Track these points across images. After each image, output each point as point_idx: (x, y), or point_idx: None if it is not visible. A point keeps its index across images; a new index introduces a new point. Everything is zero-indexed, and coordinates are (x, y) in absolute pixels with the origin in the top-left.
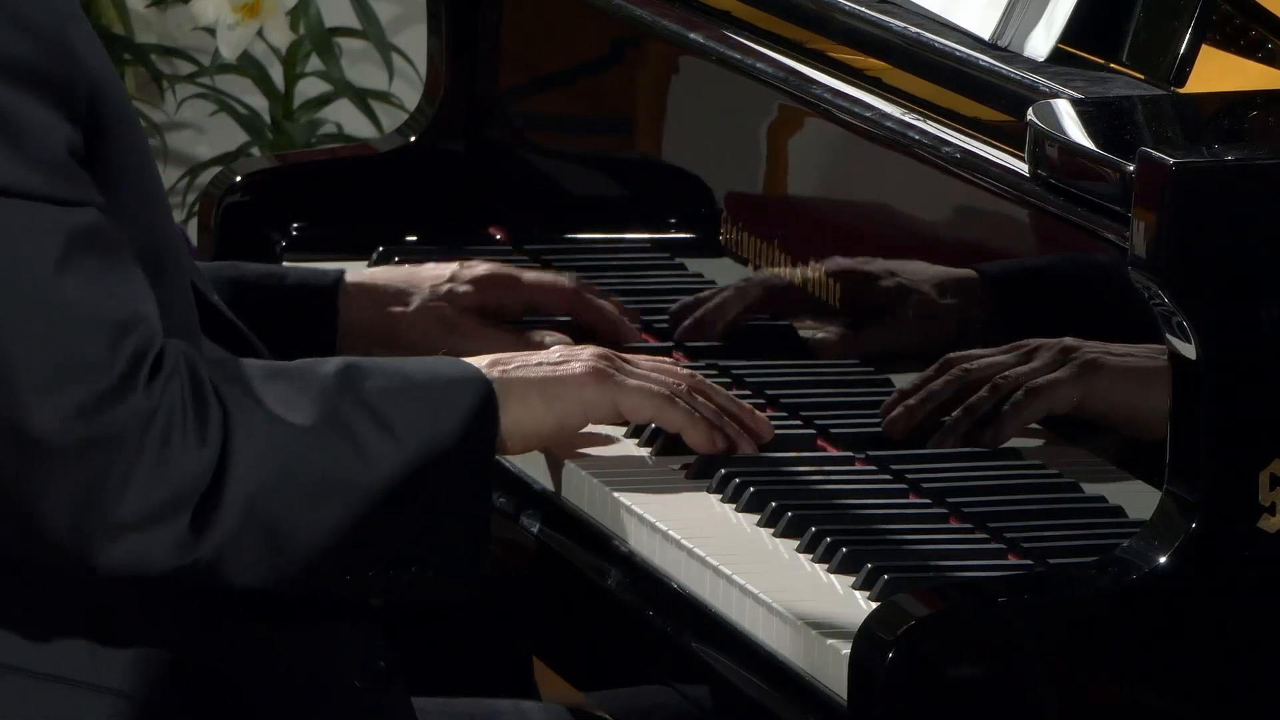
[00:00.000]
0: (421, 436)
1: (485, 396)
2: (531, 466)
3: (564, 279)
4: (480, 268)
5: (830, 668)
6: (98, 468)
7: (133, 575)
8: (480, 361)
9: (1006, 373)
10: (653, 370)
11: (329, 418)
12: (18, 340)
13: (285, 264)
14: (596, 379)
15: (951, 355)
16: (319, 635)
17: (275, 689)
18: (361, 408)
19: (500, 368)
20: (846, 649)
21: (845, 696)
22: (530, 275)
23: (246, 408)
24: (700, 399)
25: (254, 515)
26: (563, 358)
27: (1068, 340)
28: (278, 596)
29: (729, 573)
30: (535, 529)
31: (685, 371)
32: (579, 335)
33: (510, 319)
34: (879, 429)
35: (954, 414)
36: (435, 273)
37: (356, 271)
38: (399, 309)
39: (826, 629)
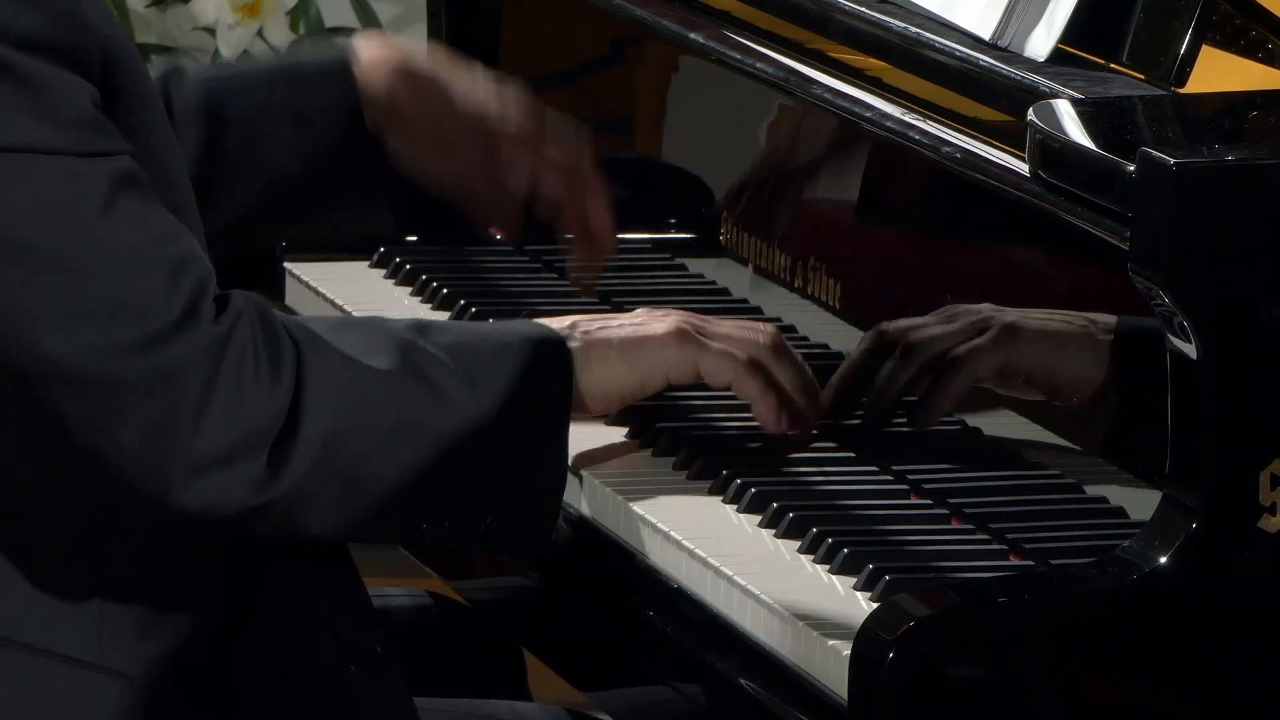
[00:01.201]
0: (497, 387)
1: (562, 357)
2: None
3: (582, 152)
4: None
5: (831, 668)
6: (168, 402)
7: (209, 515)
8: (561, 323)
9: (929, 341)
10: (735, 332)
11: (404, 362)
12: (68, 287)
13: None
14: (679, 339)
15: (882, 326)
16: (315, 620)
17: (273, 673)
18: (437, 355)
19: (582, 329)
20: (847, 649)
21: (846, 697)
22: (551, 145)
23: (320, 347)
24: (778, 367)
25: (330, 455)
26: (644, 319)
27: (986, 308)
28: (307, 562)
29: (730, 573)
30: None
31: (769, 331)
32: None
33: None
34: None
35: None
36: (483, 96)
37: (379, 45)
38: (436, 101)
39: (828, 630)
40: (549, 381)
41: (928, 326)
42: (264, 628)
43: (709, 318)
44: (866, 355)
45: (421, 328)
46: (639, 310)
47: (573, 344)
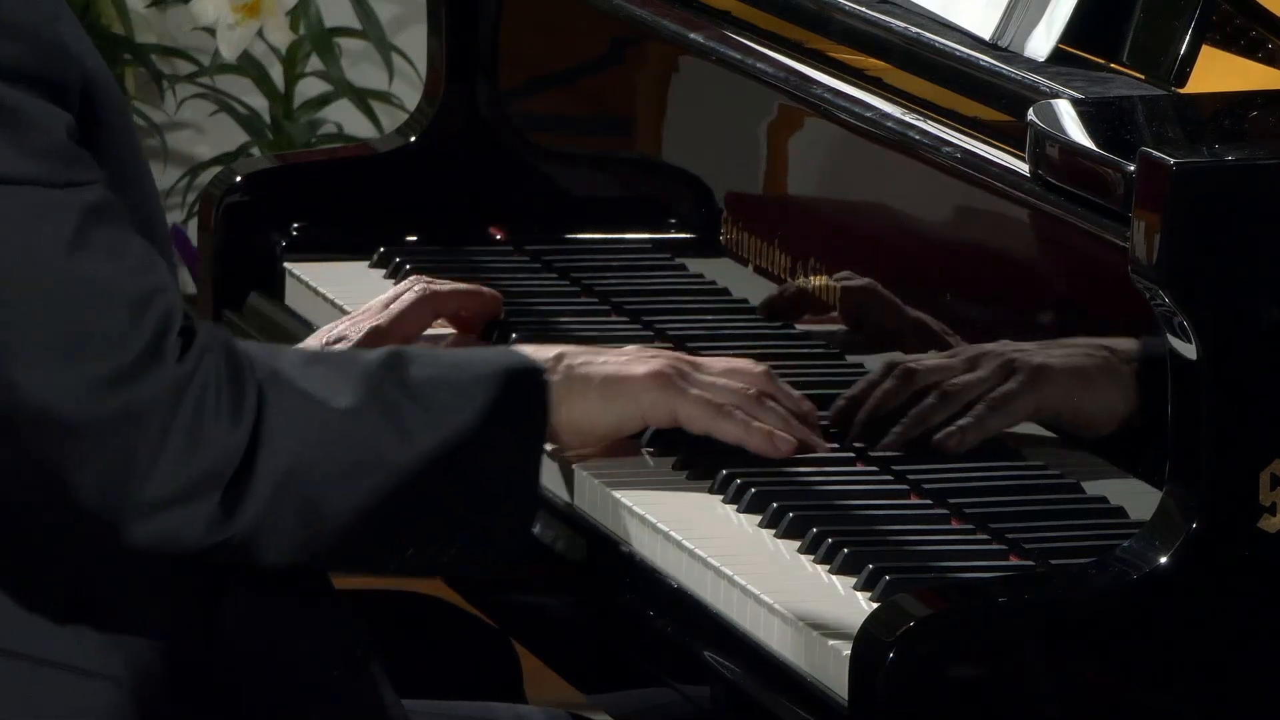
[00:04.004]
0: (464, 419)
1: (539, 388)
2: None
3: (483, 291)
4: (406, 305)
5: (831, 668)
6: (127, 442)
7: (163, 551)
8: (546, 352)
9: (956, 381)
10: (720, 377)
11: (367, 398)
12: (38, 319)
13: None
14: (659, 383)
15: (909, 365)
16: (291, 624)
17: (258, 674)
18: (401, 389)
19: (566, 361)
20: (847, 650)
21: (846, 697)
22: (446, 290)
23: (282, 386)
24: (769, 402)
25: (287, 492)
26: (631, 358)
27: (1009, 349)
28: (277, 578)
29: (730, 574)
30: (535, 528)
31: (756, 373)
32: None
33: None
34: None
35: (905, 421)
36: (352, 330)
37: None
38: None
39: (827, 630)
40: (522, 413)
41: (956, 371)
42: (243, 631)
43: (701, 360)
44: (892, 393)
45: (393, 363)
46: (631, 347)
47: (553, 377)
